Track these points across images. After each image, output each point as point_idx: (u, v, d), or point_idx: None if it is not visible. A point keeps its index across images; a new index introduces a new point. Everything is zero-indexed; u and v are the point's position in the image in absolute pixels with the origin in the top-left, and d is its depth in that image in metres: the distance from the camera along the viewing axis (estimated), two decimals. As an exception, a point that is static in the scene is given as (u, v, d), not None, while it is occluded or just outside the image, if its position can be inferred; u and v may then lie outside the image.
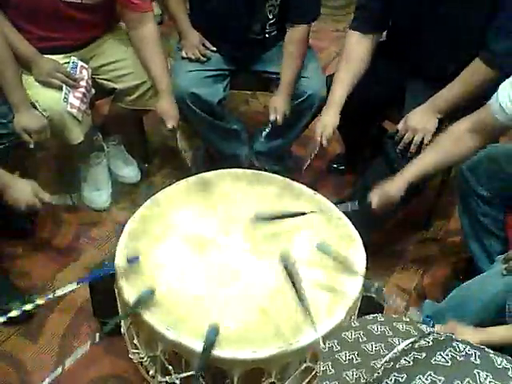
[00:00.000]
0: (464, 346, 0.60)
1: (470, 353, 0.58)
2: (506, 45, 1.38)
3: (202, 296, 1.12)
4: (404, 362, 0.59)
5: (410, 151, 1.51)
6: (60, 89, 1.58)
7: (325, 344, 0.71)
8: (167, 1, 1.82)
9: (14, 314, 1.16)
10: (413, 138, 1.50)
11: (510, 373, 0.57)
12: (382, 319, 0.73)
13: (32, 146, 1.52)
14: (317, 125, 1.58)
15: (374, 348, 0.68)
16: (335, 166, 2.15)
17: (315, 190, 1.41)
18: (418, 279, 1.77)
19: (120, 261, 1.17)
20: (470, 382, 0.55)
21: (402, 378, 0.57)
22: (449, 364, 0.57)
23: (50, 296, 1.20)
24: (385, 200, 1.38)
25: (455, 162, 1.41)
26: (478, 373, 0.56)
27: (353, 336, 0.70)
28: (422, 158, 1.38)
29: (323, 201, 1.38)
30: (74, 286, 1.22)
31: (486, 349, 0.61)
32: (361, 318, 0.76)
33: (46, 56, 1.60)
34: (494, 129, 1.27)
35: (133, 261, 1.18)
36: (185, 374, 1.08)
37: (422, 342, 0.62)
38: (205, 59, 1.78)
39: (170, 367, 1.10)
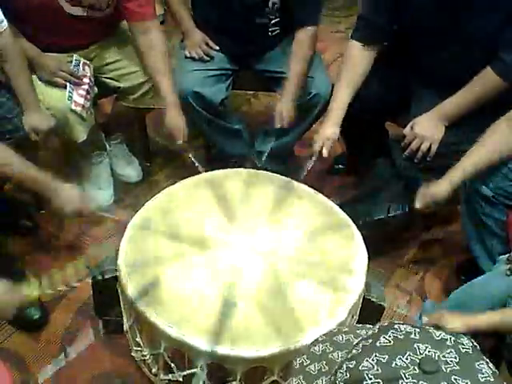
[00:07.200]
0: (405, 327, 0.66)
1: (410, 331, 0.65)
2: None
3: (205, 294, 1.12)
4: (354, 351, 0.65)
5: (417, 158, 1.51)
6: (64, 87, 1.59)
7: (296, 361, 0.76)
8: (169, 1, 1.82)
9: None
10: (420, 145, 1.49)
11: (448, 342, 0.63)
12: (347, 329, 0.80)
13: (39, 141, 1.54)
14: (317, 136, 1.55)
15: (339, 355, 0.73)
16: (336, 166, 2.15)
17: (316, 190, 1.41)
18: (418, 280, 1.77)
19: (123, 261, 1.18)
20: (411, 354, 0.61)
21: (351, 364, 0.63)
22: (391, 343, 0.63)
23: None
24: (430, 202, 1.38)
25: (497, 160, 1.36)
26: (418, 346, 0.62)
27: (320, 349, 0.76)
28: (466, 160, 1.35)
29: (324, 201, 1.38)
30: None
31: (428, 327, 0.67)
32: (327, 332, 0.83)
33: (48, 54, 1.60)
34: None
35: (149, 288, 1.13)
36: (188, 372, 1.09)
37: (370, 332, 0.68)
38: (208, 58, 1.78)
39: (173, 365, 1.11)
